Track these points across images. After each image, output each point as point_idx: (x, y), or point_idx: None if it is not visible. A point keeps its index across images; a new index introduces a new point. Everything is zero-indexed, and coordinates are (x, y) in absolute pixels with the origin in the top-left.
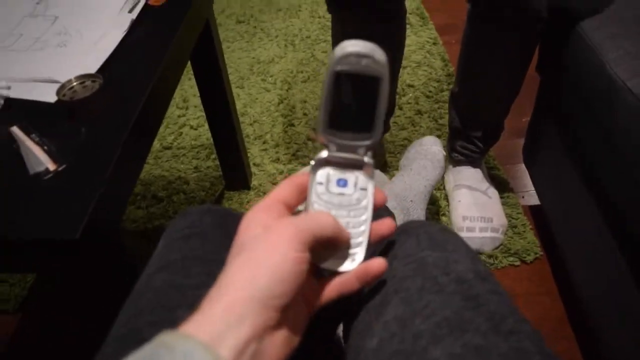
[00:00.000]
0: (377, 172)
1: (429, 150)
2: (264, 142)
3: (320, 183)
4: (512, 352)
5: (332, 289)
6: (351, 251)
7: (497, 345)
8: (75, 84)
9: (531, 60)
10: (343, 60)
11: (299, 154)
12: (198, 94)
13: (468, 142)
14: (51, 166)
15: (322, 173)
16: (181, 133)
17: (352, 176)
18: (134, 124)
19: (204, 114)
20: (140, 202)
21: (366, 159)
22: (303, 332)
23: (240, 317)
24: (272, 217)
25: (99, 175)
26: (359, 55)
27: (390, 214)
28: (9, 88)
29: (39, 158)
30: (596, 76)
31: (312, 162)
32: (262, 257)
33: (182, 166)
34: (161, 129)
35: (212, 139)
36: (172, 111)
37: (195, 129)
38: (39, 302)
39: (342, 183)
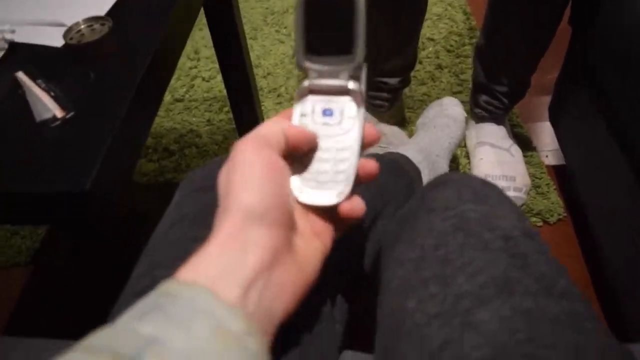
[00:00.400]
0: (395, 129)
1: (449, 112)
2: (278, 96)
3: (304, 115)
4: (563, 315)
5: (342, 216)
6: (336, 184)
7: (548, 309)
8: (83, 27)
9: (563, 12)
10: None
11: None
12: (209, 45)
13: (492, 98)
14: (59, 113)
15: (307, 104)
16: (193, 85)
17: (338, 105)
18: (146, 69)
19: (216, 65)
20: (152, 155)
21: (351, 85)
22: (319, 266)
23: (241, 247)
24: None
25: (109, 123)
26: None
27: (414, 167)
28: (13, 32)
29: (46, 105)
30: (637, 25)
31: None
32: (233, 179)
33: (194, 119)
34: (172, 81)
35: (224, 91)
36: (184, 62)
37: (208, 81)
38: (51, 254)
39: (328, 113)
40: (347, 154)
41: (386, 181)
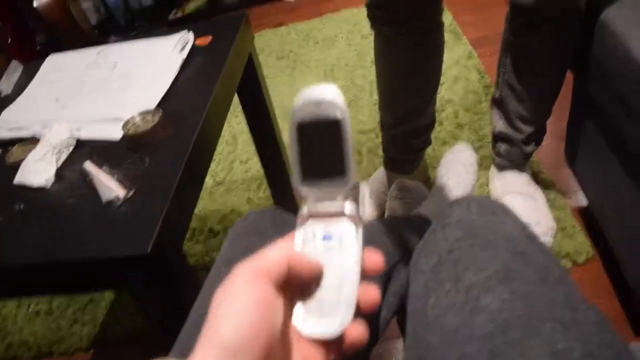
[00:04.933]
0: (417, 183)
1: (461, 157)
2: None
3: (306, 241)
4: (559, 298)
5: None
6: (337, 312)
7: (544, 293)
8: (137, 119)
9: (568, 59)
10: (301, 111)
11: None
12: (245, 130)
13: (511, 146)
14: (121, 193)
15: (307, 229)
16: (232, 168)
17: (336, 229)
18: (191, 150)
19: (252, 147)
20: (198, 236)
21: (347, 207)
22: None
23: None
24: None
25: (163, 198)
26: (315, 103)
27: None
28: (79, 130)
29: (110, 187)
30: (623, 63)
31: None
32: (219, 307)
33: (235, 199)
34: (213, 166)
35: (262, 171)
36: (223, 148)
37: (245, 163)
38: (110, 337)
39: (328, 237)
40: (347, 279)
41: (408, 238)
